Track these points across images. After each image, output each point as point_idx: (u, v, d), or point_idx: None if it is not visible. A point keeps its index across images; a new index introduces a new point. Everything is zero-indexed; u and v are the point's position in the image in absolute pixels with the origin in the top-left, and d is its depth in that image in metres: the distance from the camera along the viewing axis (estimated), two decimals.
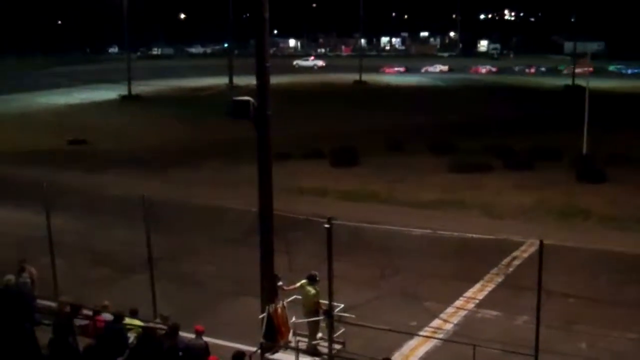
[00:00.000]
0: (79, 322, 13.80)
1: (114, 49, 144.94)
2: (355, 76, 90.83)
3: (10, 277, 15.34)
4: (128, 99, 75.46)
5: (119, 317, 13.03)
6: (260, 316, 13.86)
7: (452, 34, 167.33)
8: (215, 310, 17.23)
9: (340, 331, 14.28)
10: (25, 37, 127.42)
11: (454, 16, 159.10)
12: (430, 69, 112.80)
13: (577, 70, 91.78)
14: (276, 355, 13.73)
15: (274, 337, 13.64)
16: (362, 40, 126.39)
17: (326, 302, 13.98)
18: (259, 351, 13.42)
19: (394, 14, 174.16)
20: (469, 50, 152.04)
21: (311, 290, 14.41)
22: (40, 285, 16.60)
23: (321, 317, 14.23)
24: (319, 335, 14.55)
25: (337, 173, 34.46)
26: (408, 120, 52.85)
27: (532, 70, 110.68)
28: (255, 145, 13.96)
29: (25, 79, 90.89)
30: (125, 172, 34.86)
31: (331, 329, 13.87)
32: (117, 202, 24.86)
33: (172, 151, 42.33)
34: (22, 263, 16.47)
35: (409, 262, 20.29)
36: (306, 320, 14.46)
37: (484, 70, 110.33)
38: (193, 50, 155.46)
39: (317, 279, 14.43)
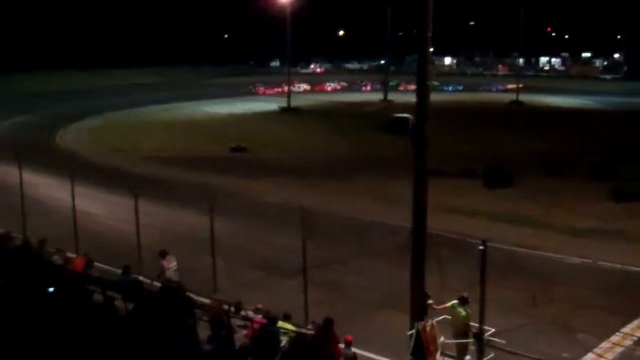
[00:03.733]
0: (235, 321, 14.43)
1: (275, 63, 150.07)
2: (505, 96, 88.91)
3: (171, 274, 16.34)
4: (287, 111, 78.15)
5: (273, 320, 13.52)
6: (409, 332, 13.90)
7: (616, 55, 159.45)
8: (363, 321, 17.46)
9: (490, 356, 14.04)
10: (196, 50, 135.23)
11: (619, 37, 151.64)
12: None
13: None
14: None
15: (421, 354, 13.62)
16: (520, 60, 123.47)
17: (476, 324, 13.84)
18: None
19: (554, 33, 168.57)
20: (636, 73, 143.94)
21: (462, 311, 14.33)
22: (199, 283, 17.57)
23: (470, 340, 14.09)
24: (467, 357, 14.41)
25: (489, 194, 33.86)
26: (566, 143, 50.97)
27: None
28: (408, 161, 14.09)
29: (193, 89, 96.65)
30: (282, 181, 36.17)
31: (480, 353, 13.67)
32: (274, 209, 25.86)
33: (327, 163, 43.34)
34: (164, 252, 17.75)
35: (563, 291, 19.60)
36: (455, 341, 14.38)
37: None
38: (350, 65, 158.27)
39: (469, 301, 14.32)
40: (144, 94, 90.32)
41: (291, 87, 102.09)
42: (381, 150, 43.02)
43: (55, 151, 48.69)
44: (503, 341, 14.12)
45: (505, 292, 18.51)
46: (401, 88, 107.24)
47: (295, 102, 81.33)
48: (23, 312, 12.27)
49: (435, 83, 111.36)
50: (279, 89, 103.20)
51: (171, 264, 17.96)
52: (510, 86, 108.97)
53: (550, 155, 43.49)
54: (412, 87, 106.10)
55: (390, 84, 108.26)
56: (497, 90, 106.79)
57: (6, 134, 57.83)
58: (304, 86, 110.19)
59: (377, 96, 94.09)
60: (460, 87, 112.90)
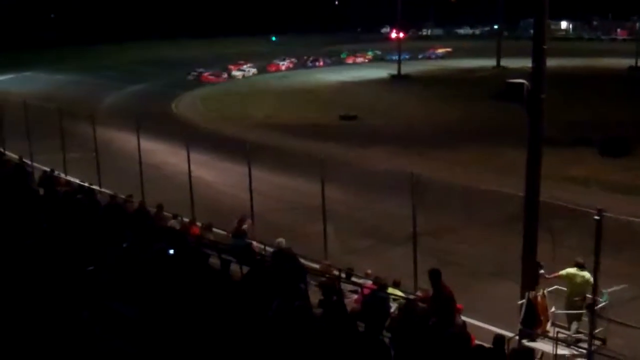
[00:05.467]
0: (346, 286, 14.67)
1: (386, 29, 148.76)
2: (623, 62, 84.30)
3: (281, 240, 16.69)
4: (397, 78, 77.73)
5: (383, 287, 13.66)
6: (519, 302, 13.78)
7: None
8: (472, 290, 17.34)
9: (601, 329, 13.73)
10: (307, 18, 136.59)
11: None
12: None
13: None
14: (533, 344, 13.54)
15: (532, 324, 13.49)
16: None
17: (589, 295, 13.53)
18: (517, 337, 13.40)
19: None
20: None
21: (581, 276, 13.91)
22: (309, 250, 17.89)
23: (583, 311, 13.80)
24: (574, 327, 14.12)
25: (605, 163, 32.69)
26: None
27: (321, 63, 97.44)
28: (518, 129, 13.81)
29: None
30: (391, 149, 36.22)
31: (593, 324, 13.38)
32: (383, 177, 25.94)
33: (437, 131, 42.96)
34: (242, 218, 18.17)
35: None
36: (566, 312, 14.12)
37: None
38: (462, 31, 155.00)
39: (585, 266, 13.91)
40: (257, 62, 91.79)
41: (235, 71, 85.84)
42: (492, 118, 42.22)
43: (171, 119, 50.43)
44: (614, 314, 13.78)
45: (620, 264, 17.99)
46: (349, 61, 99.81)
47: (407, 68, 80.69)
48: (145, 273, 12.96)
49: (378, 52, 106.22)
50: (225, 77, 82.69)
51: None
52: (440, 50, 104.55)
53: None
54: (359, 59, 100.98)
55: (341, 55, 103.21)
56: (436, 57, 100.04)
57: (125, 103, 60.38)
58: (252, 70, 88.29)
59: (423, 66, 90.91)
60: (407, 56, 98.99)
